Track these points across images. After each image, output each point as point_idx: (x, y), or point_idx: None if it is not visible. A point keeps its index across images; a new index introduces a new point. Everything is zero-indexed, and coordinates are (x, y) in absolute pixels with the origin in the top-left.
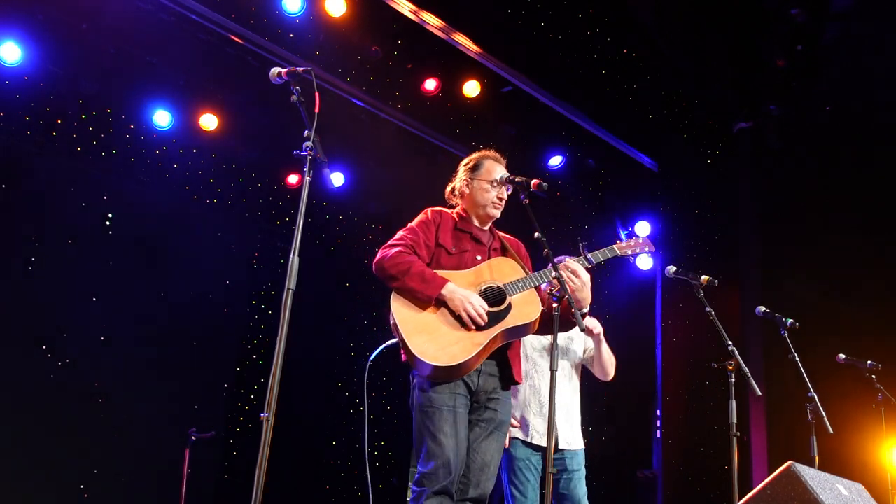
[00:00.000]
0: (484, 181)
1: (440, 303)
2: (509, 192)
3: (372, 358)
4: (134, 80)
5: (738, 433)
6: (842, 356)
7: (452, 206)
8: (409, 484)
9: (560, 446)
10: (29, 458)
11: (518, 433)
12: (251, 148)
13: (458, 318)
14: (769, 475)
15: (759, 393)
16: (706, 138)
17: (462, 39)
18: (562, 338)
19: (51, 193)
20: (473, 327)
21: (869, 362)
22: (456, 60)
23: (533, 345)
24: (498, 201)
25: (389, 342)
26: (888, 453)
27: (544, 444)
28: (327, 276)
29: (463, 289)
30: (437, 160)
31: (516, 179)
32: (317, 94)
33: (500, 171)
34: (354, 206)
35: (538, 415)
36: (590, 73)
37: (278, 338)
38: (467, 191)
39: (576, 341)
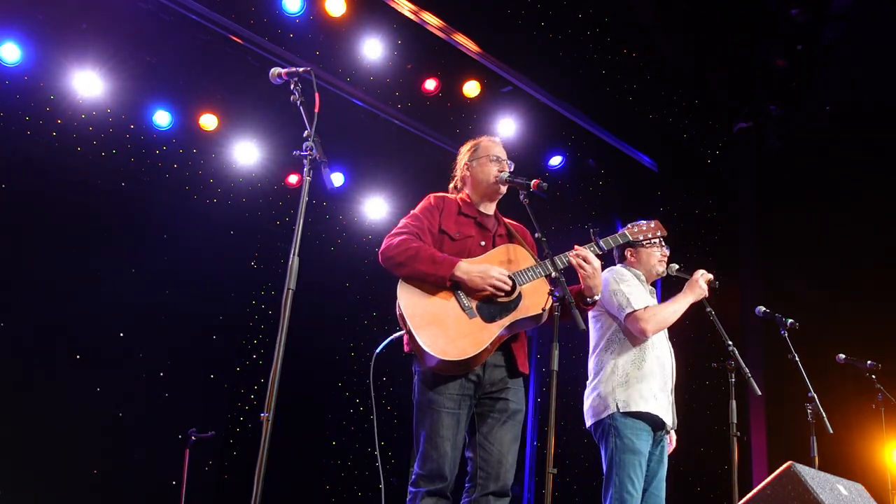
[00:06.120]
0: (482, 157)
1: (452, 288)
2: (502, 172)
3: (378, 351)
4: (134, 80)
5: (738, 433)
6: (842, 356)
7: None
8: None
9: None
10: (28, 457)
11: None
12: (251, 148)
13: (467, 308)
14: (769, 475)
15: (759, 393)
16: (706, 138)
17: (462, 39)
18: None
19: (50, 194)
20: (502, 294)
21: (869, 362)
22: (456, 60)
23: None
24: (499, 173)
25: (395, 335)
26: (888, 453)
27: (668, 421)
28: (327, 276)
29: (477, 264)
30: (438, 160)
31: (516, 179)
32: (317, 95)
33: (497, 149)
34: (354, 206)
35: (662, 389)
36: (590, 73)
37: (278, 338)
38: (468, 173)
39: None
